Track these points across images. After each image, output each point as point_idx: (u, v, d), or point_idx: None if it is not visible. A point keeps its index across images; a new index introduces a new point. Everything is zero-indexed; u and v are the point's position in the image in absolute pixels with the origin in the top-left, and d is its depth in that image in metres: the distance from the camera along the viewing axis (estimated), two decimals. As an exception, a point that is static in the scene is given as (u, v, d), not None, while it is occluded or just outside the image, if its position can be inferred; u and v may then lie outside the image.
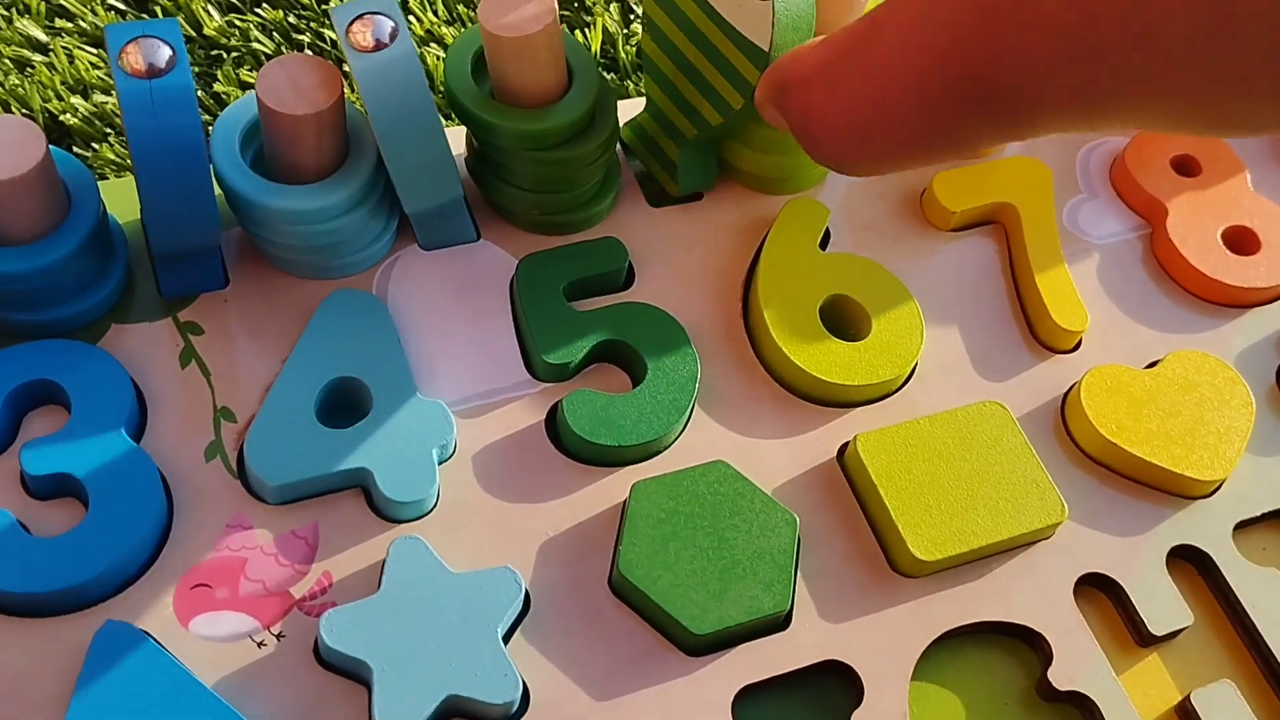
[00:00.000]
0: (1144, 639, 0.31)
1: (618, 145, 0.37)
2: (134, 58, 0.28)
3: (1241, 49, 0.16)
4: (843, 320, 0.35)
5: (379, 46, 0.29)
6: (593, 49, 0.48)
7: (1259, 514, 0.34)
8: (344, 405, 0.31)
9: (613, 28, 0.49)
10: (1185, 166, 0.40)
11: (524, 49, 0.31)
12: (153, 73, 0.28)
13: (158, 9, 0.46)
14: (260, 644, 0.28)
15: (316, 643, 0.28)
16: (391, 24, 0.30)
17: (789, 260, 0.35)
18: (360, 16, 0.30)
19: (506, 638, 0.28)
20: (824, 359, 0.33)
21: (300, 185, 0.31)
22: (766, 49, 0.30)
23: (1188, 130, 0.19)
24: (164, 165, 0.28)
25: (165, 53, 0.28)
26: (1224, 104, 0.17)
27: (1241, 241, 0.38)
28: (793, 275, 0.34)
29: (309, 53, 0.46)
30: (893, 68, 0.21)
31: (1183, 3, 0.16)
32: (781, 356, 0.33)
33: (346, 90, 0.31)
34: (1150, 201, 0.39)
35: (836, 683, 0.30)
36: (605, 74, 0.48)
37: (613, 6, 0.50)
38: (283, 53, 0.46)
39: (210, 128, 0.32)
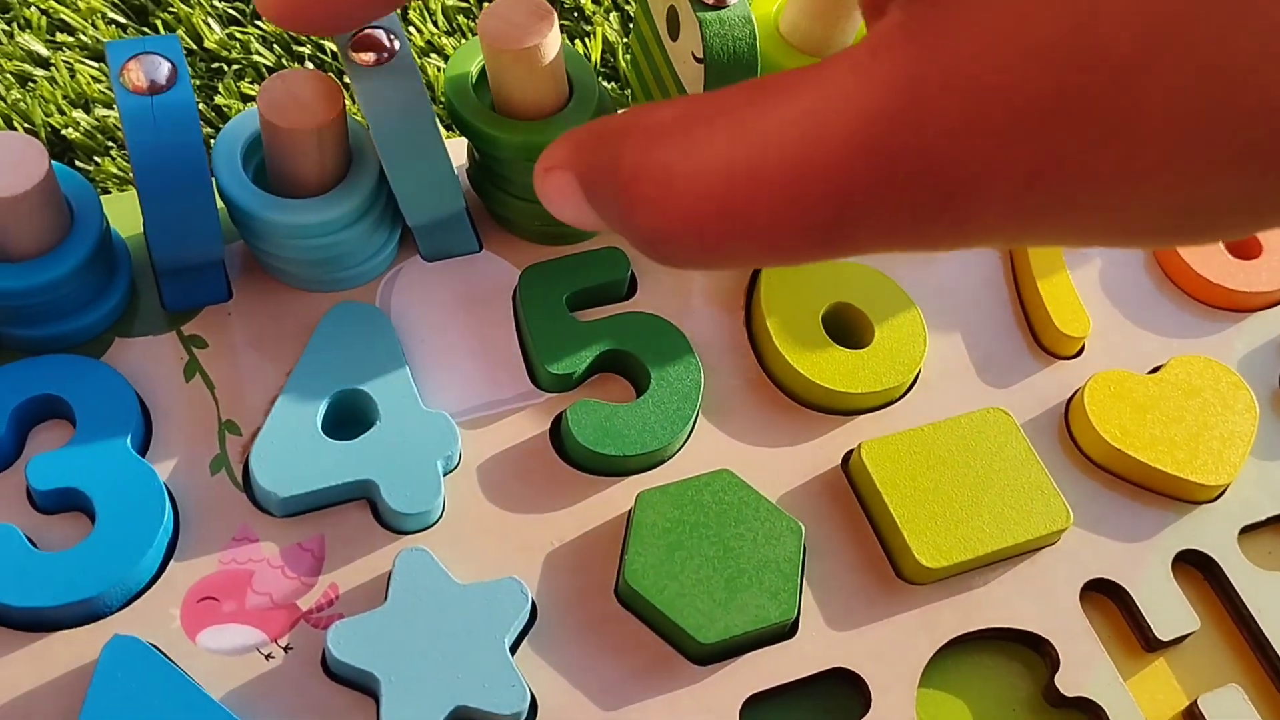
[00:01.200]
0: (1150, 644, 0.31)
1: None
2: (135, 74, 0.28)
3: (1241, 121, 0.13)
4: (845, 328, 0.35)
5: (380, 61, 0.30)
6: (593, 59, 0.48)
7: (1264, 518, 0.34)
8: (348, 417, 0.31)
9: (613, 37, 0.49)
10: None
11: (524, 60, 0.31)
12: (154, 89, 0.28)
13: (158, 22, 0.46)
14: (268, 656, 0.28)
15: (324, 655, 0.28)
16: (392, 39, 0.30)
17: (791, 268, 0.35)
18: (361, 31, 0.30)
19: (513, 648, 0.28)
20: (827, 367, 0.33)
21: (303, 199, 0.31)
22: None
23: (1148, 237, 0.15)
24: (166, 182, 0.28)
25: (166, 69, 0.28)
26: (1205, 185, 0.14)
27: (1243, 245, 0.38)
28: (795, 283, 0.34)
29: (310, 65, 0.46)
30: (804, 131, 0.16)
31: (1172, 74, 0.13)
32: (785, 365, 0.33)
33: (348, 102, 0.31)
34: (1151, 206, 0.39)
35: (843, 690, 0.30)
36: (606, 83, 0.48)
37: (613, 16, 0.50)
38: (284, 65, 0.46)
39: (212, 141, 0.32)
